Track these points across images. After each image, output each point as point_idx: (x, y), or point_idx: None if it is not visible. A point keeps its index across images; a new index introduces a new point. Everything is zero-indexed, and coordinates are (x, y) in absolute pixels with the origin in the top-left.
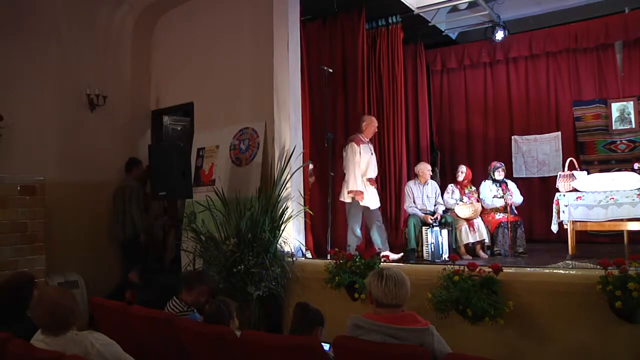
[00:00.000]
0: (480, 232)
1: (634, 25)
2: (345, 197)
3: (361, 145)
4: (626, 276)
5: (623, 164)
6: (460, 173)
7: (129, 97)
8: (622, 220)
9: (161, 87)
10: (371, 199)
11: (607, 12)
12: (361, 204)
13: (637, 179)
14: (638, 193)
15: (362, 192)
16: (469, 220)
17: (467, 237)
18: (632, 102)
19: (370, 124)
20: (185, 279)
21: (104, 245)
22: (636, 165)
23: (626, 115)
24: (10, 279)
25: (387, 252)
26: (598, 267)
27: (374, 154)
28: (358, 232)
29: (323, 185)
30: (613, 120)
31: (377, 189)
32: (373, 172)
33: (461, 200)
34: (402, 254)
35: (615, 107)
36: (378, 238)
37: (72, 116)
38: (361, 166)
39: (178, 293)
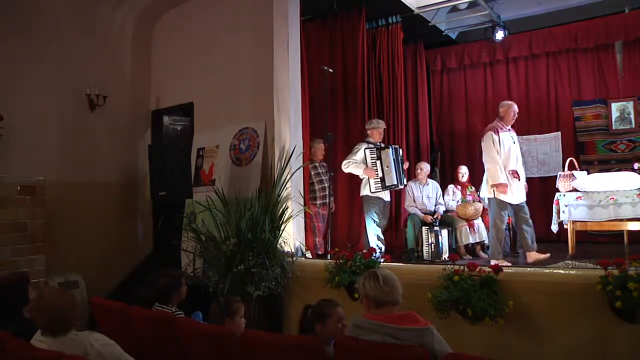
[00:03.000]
0: (480, 233)
1: (634, 25)
2: (487, 192)
3: (500, 133)
4: (626, 276)
5: (623, 163)
6: (462, 174)
7: (129, 97)
8: (622, 220)
9: (161, 87)
10: (514, 194)
11: (607, 12)
12: (501, 198)
13: (637, 179)
14: (638, 193)
15: (506, 185)
16: (469, 221)
17: (468, 237)
18: (632, 102)
19: (509, 109)
20: (169, 284)
21: (104, 245)
22: (636, 165)
23: (626, 115)
24: (4, 279)
25: (533, 252)
26: (598, 267)
27: (517, 142)
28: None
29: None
30: (613, 120)
31: None
32: (515, 164)
33: (463, 200)
34: (548, 254)
35: (615, 107)
36: (528, 237)
37: (72, 116)
38: (500, 156)
39: (162, 299)
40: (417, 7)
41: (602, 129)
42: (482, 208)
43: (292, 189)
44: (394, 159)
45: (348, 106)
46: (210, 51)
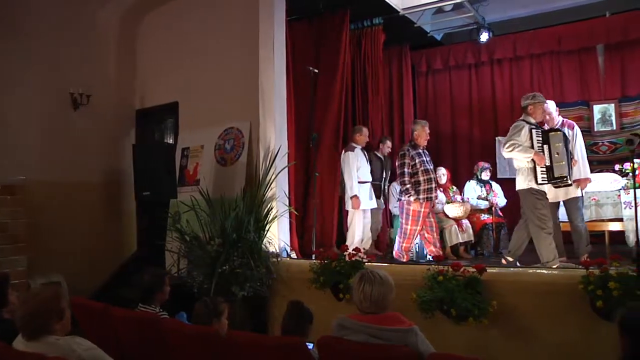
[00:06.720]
0: (469, 233)
1: (615, 29)
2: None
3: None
4: (607, 276)
5: (605, 165)
6: (442, 175)
7: (114, 97)
8: (603, 220)
9: (146, 86)
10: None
11: (590, 16)
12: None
13: (618, 180)
14: (619, 194)
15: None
16: (457, 221)
17: (457, 237)
18: (613, 104)
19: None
20: (153, 283)
21: (88, 245)
22: (617, 167)
23: (607, 117)
24: None
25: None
26: (580, 267)
27: (569, 138)
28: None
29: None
30: (595, 122)
31: None
32: (577, 161)
33: (450, 201)
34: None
35: (597, 109)
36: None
37: (55, 115)
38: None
39: (145, 299)
40: (403, 9)
41: (584, 131)
42: (470, 208)
43: (277, 189)
44: (564, 146)
45: (333, 107)
46: (196, 50)
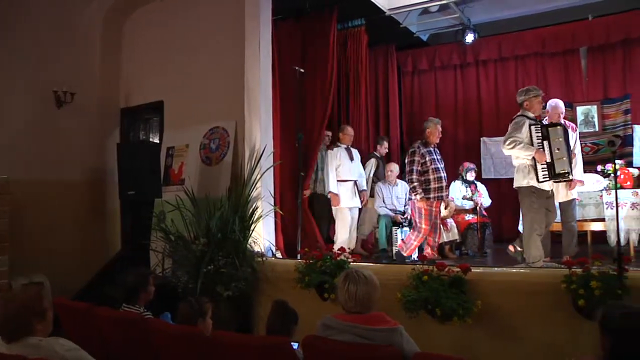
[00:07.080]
0: (454, 232)
1: (597, 32)
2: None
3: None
4: (589, 275)
5: (587, 166)
6: None
7: (98, 95)
8: (586, 220)
9: (131, 85)
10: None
11: (573, 19)
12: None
13: (600, 181)
14: (601, 194)
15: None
16: (442, 220)
17: (442, 236)
18: (595, 106)
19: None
20: (137, 283)
21: (72, 245)
22: (599, 168)
23: (590, 119)
24: None
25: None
26: (563, 266)
27: (571, 141)
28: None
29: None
30: (578, 123)
31: None
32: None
33: None
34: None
35: (581, 111)
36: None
37: (39, 113)
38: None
39: (129, 299)
40: (389, 9)
41: None
42: (454, 207)
43: (262, 188)
44: (565, 140)
45: (323, 106)
46: (181, 49)
